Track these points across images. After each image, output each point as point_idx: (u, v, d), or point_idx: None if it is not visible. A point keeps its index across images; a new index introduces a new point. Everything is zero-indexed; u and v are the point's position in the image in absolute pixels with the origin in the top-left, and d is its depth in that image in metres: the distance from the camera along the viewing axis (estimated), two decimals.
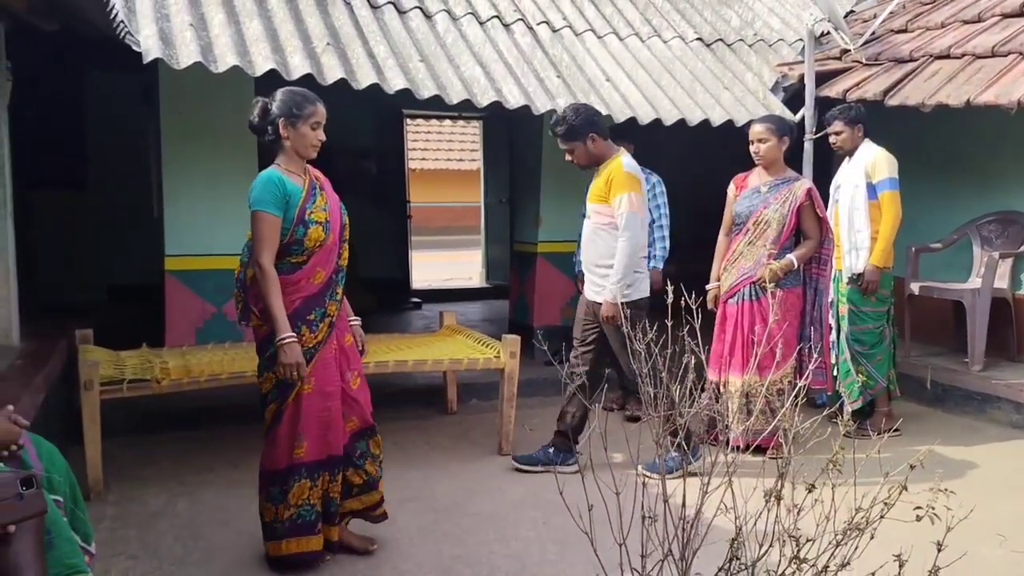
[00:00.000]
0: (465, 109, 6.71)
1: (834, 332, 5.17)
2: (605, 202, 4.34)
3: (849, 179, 5.14)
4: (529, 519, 3.93)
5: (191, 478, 4.37)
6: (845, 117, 5.13)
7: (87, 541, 2.29)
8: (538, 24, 6.18)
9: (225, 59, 4.52)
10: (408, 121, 11.17)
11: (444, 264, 13.76)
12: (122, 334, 4.94)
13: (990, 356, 5.78)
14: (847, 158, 5.22)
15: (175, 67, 4.38)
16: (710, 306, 5.03)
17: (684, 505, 2.02)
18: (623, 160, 4.37)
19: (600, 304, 4.37)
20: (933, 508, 1.70)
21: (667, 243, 5.46)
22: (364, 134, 9.62)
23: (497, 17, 6.04)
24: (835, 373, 5.14)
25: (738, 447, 2.71)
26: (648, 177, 5.21)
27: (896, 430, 4.76)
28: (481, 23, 5.94)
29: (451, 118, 13.12)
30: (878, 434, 4.52)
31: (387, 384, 5.36)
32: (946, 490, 1.75)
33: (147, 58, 4.34)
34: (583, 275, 4.73)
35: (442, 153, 18.05)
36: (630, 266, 4.30)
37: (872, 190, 5.05)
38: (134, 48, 4.41)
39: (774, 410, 4.29)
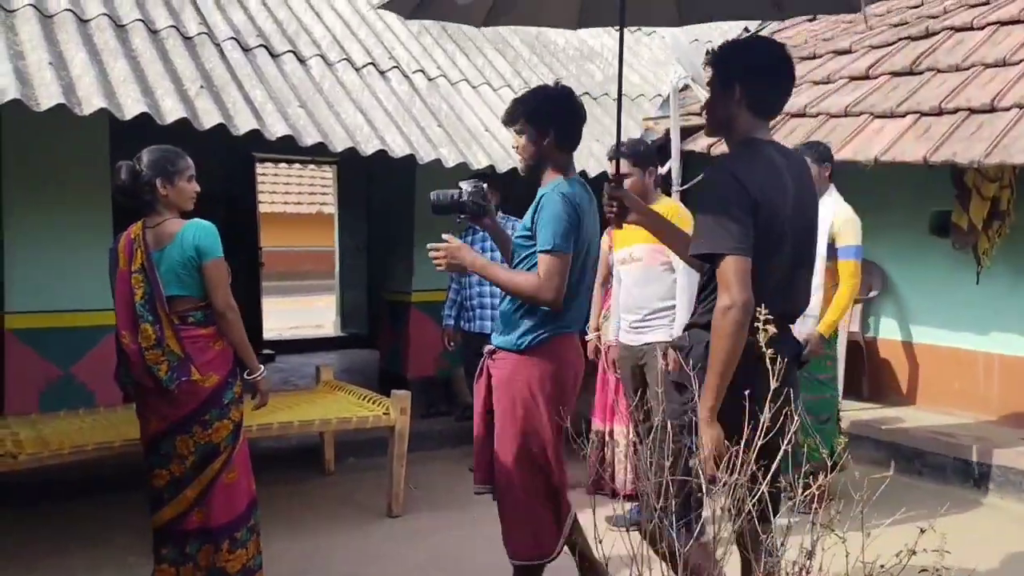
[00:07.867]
0: (319, 153, 6.50)
1: None
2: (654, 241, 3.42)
3: None
4: None
5: (43, 562, 3.91)
6: (812, 153, 4.49)
7: None
8: (414, 72, 6.10)
9: (91, 101, 4.15)
10: (259, 164, 10.74)
11: (292, 311, 13.27)
12: None
13: (845, 398, 6.10)
14: None
15: (35, 109, 3.98)
16: (591, 356, 5.07)
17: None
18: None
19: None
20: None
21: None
22: (211, 177, 9.11)
23: (372, 64, 5.92)
24: None
25: (626, 495, 2.68)
26: None
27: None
28: (357, 69, 5.80)
29: (301, 162, 12.77)
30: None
31: (256, 446, 5.04)
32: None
33: (2, 99, 3.91)
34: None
35: (292, 196, 17.51)
36: None
37: (831, 251, 4.50)
38: None
39: None
